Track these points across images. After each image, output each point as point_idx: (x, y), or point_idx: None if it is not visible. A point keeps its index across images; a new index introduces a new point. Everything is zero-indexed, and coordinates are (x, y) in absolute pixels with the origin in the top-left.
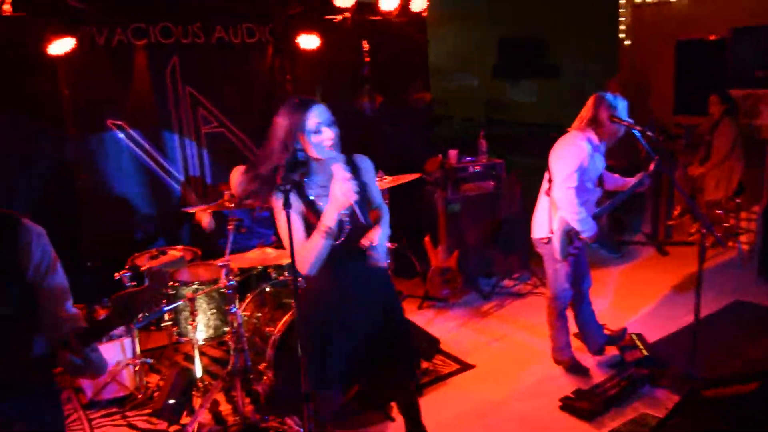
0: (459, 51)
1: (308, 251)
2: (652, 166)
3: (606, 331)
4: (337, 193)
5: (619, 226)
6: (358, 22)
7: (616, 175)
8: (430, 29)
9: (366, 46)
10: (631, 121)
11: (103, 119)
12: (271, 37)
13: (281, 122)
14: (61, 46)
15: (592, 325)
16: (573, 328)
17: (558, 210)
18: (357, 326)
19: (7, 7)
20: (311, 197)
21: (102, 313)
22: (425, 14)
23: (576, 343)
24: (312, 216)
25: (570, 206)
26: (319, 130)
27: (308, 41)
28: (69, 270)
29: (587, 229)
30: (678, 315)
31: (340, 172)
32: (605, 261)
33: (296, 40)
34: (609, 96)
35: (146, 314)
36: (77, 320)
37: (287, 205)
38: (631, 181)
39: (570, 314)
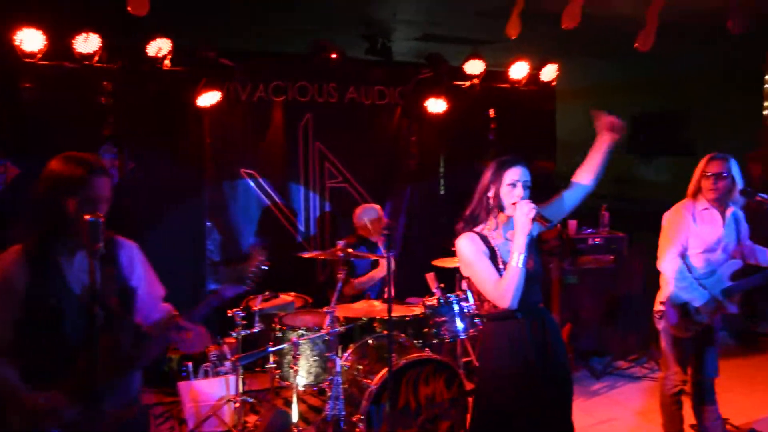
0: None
1: (506, 283)
2: None
3: (728, 427)
4: (519, 215)
5: (752, 313)
6: (486, 88)
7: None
8: (559, 102)
9: (492, 113)
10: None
11: (238, 167)
12: (400, 100)
13: (487, 174)
14: (208, 99)
15: (712, 418)
16: (691, 418)
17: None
18: (544, 379)
19: (167, 63)
20: (494, 246)
21: (213, 349)
22: (554, 84)
23: None
24: (495, 262)
25: (671, 273)
26: (514, 185)
27: (436, 105)
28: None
29: (694, 298)
30: None
31: (521, 201)
32: (735, 351)
33: (424, 104)
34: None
35: (251, 280)
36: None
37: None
38: None
39: (688, 403)
